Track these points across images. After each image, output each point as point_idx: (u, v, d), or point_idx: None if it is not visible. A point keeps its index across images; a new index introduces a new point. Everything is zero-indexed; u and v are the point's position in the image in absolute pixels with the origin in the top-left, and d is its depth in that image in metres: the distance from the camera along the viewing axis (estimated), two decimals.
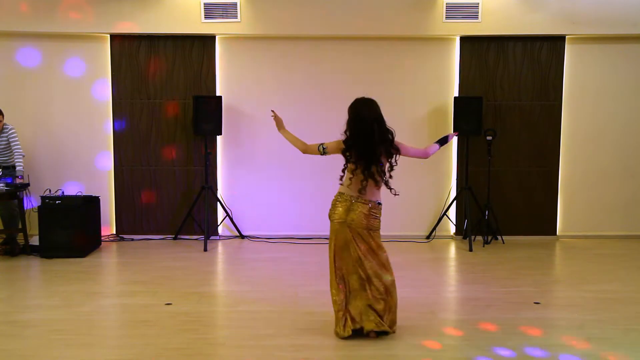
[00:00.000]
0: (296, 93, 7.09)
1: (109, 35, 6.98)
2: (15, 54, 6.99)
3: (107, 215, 7.08)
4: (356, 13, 6.87)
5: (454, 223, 7.20)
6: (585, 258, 6.30)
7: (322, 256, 6.17)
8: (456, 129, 6.79)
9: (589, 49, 7.11)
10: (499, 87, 7.12)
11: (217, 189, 7.15)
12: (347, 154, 3.73)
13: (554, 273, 5.91)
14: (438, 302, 4.79)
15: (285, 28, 6.91)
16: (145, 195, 7.15)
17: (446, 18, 6.87)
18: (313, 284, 5.17)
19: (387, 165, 3.78)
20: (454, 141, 7.14)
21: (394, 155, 3.78)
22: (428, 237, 7.15)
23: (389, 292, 3.83)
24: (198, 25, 6.86)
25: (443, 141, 4.26)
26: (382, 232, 3.89)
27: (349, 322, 3.82)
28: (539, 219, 7.19)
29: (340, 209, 3.77)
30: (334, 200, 3.84)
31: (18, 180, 6.17)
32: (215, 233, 7.14)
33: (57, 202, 6.12)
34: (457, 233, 7.19)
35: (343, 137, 3.78)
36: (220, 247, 6.75)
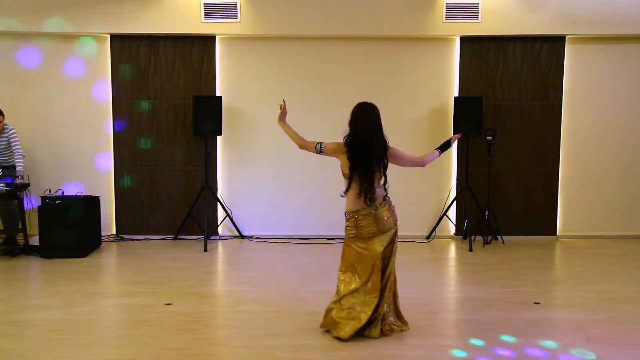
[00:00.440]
0: (296, 93, 7.09)
1: (109, 36, 6.98)
2: (15, 54, 6.99)
3: (107, 215, 7.07)
4: (356, 13, 6.87)
5: (454, 223, 7.19)
6: (585, 258, 6.30)
7: (322, 256, 6.18)
8: (456, 129, 6.79)
9: (589, 49, 7.12)
10: (499, 87, 7.12)
11: (217, 189, 7.15)
12: (349, 155, 3.71)
13: (554, 273, 5.91)
14: (438, 302, 4.79)
15: (285, 28, 6.92)
16: (145, 196, 7.15)
17: (446, 18, 6.87)
18: (313, 284, 5.17)
19: (379, 173, 3.76)
20: (456, 138, 7.11)
21: (385, 165, 3.75)
22: (428, 237, 7.15)
23: (390, 293, 3.89)
24: (198, 25, 6.86)
25: (445, 146, 4.21)
26: None
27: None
28: (539, 219, 7.19)
29: (369, 226, 3.74)
30: (352, 220, 3.77)
31: (18, 180, 6.17)
32: (215, 233, 7.14)
33: (57, 202, 6.12)
34: (457, 233, 7.19)
35: (342, 140, 3.77)
36: (220, 247, 6.75)
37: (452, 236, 7.22)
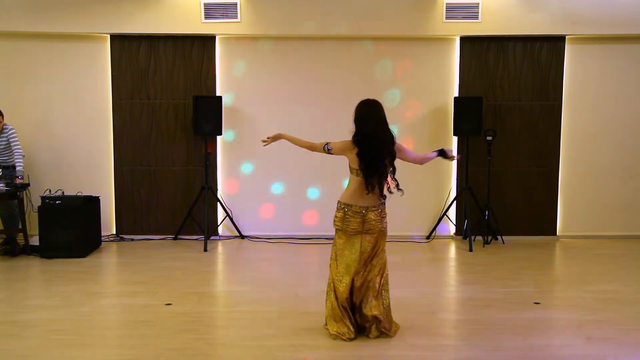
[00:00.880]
0: (296, 93, 7.09)
1: (109, 35, 6.98)
2: (15, 54, 6.99)
3: (107, 215, 7.07)
4: (356, 13, 6.87)
5: (454, 223, 7.19)
6: (585, 258, 6.30)
7: (322, 256, 6.18)
8: (456, 129, 6.80)
9: (589, 49, 7.11)
10: (499, 87, 7.12)
11: (217, 189, 7.15)
12: (359, 152, 3.72)
13: (554, 273, 5.92)
14: (438, 302, 4.79)
15: (285, 28, 6.91)
16: (145, 196, 7.15)
17: (446, 18, 6.86)
18: (313, 284, 5.17)
19: (390, 168, 3.78)
20: (454, 141, 7.13)
21: (394, 159, 3.79)
22: (428, 237, 7.15)
23: (384, 296, 3.89)
24: (198, 25, 6.86)
25: (441, 153, 4.21)
26: None
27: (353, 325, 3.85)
28: (539, 219, 7.19)
29: (354, 222, 3.77)
30: (341, 211, 3.81)
31: (18, 181, 6.17)
32: (215, 233, 7.14)
33: (57, 202, 6.12)
34: (457, 233, 7.19)
35: (349, 138, 3.79)
36: (220, 247, 6.75)
37: (452, 236, 7.22)
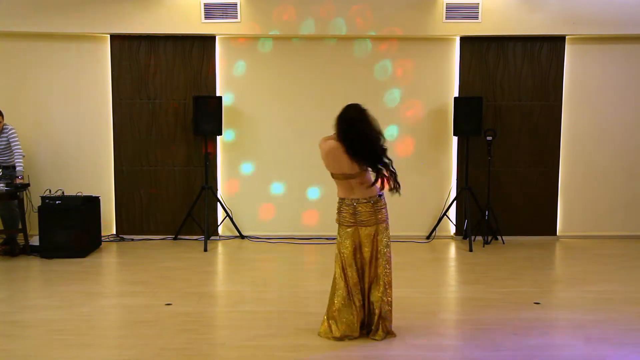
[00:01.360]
0: (296, 93, 7.09)
1: (109, 36, 6.98)
2: (15, 54, 6.99)
3: (107, 216, 7.07)
4: (356, 13, 6.87)
5: (454, 223, 7.19)
6: (585, 258, 6.30)
7: (322, 256, 6.18)
8: (456, 129, 6.80)
9: (589, 49, 7.11)
10: (499, 87, 7.11)
11: (217, 189, 7.15)
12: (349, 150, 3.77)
13: (554, 273, 5.91)
14: (438, 302, 4.79)
15: (285, 28, 6.91)
16: (145, 196, 7.15)
17: (446, 18, 6.86)
18: (313, 284, 5.17)
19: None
20: (454, 141, 7.13)
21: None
22: (428, 237, 7.15)
23: (389, 292, 3.87)
24: (198, 25, 6.86)
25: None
26: None
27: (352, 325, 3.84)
28: (539, 219, 7.18)
29: (347, 214, 3.84)
30: (338, 206, 3.92)
31: (18, 181, 6.17)
32: (216, 233, 7.14)
33: (57, 202, 6.12)
34: (457, 233, 7.19)
35: (322, 137, 3.91)
36: (220, 247, 6.75)
37: (452, 236, 7.22)
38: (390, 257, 3.89)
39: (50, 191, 6.30)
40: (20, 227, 6.32)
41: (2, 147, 6.37)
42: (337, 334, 3.82)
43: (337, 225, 3.93)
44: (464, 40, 7.04)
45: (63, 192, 6.31)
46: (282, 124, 7.13)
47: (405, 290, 4.83)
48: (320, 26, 6.89)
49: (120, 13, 6.82)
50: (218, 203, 7.11)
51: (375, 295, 3.83)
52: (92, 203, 6.47)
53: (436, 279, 5.55)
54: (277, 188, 7.19)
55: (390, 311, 3.88)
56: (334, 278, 3.90)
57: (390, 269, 3.88)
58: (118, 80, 7.05)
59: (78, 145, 7.11)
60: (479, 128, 6.78)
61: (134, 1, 6.80)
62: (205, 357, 3.62)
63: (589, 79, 7.15)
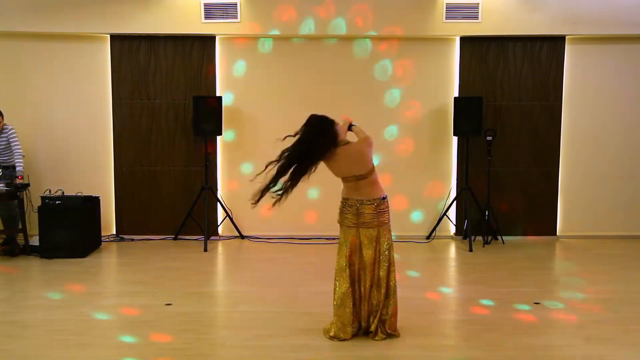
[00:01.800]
0: (296, 93, 7.09)
1: (109, 36, 6.98)
2: (15, 54, 6.99)
3: (107, 216, 7.07)
4: (356, 13, 6.87)
5: (454, 223, 7.19)
6: (585, 258, 6.30)
7: (322, 256, 6.18)
8: (456, 129, 6.80)
9: (589, 49, 7.11)
10: (499, 87, 7.12)
11: (217, 189, 7.15)
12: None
13: (554, 273, 5.91)
14: (438, 302, 4.79)
15: (285, 28, 6.91)
16: (145, 196, 7.15)
17: (446, 18, 6.86)
18: (313, 284, 5.17)
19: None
20: (454, 141, 7.13)
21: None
22: (428, 237, 7.15)
23: (392, 294, 3.87)
24: (198, 25, 6.86)
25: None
26: None
27: (354, 325, 3.84)
28: (539, 219, 7.18)
29: (350, 215, 3.83)
30: (340, 206, 3.92)
31: (18, 181, 6.17)
32: (216, 233, 7.14)
33: (57, 202, 6.12)
34: (457, 233, 7.19)
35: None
36: (220, 247, 6.75)
37: (452, 236, 7.22)
38: (393, 260, 3.87)
39: (50, 191, 6.30)
40: (20, 227, 6.32)
41: (2, 147, 6.38)
42: (331, 334, 3.83)
43: (338, 225, 3.93)
44: (464, 40, 7.04)
45: (63, 192, 6.31)
46: (282, 124, 7.05)
47: (405, 290, 4.81)
48: (320, 26, 6.89)
49: (120, 13, 6.82)
50: (218, 203, 7.11)
51: (376, 298, 3.83)
52: (92, 203, 6.47)
53: (436, 279, 5.54)
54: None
55: (395, 314, 3.87)
56: (335, 276, 3.89)
57: (394, 272, 3.87)
58: (118, 80, 7.05)
59: (78, 145, 7.11)
60: (479, 128, 6.78)
61: (134, 1, 6.80)
62: (205, 357, 3.62)
63: (589, 79, 7.15)
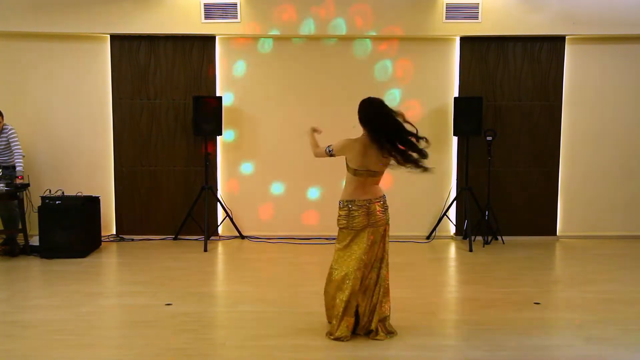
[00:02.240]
0: (296, 93, 7.09)
1: (109, 36, 6.98)
2: (15, 54, 6.99)
3: (107, 216, 7.07)
4: (356, 13, 6.87)
5: (454, 223, 7.19)
6: (585, 258, 6.30)
7: (322, 256, 6.17)
8: (456, 129, 6.80)
9: (589, 49, 7.11)
10: (499, 87, 7.12)
11: (217, 190, 7.15)
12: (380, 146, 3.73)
13: (554, 273, 5.91)
14: (438, 302, 4.79)
15: (285, 28, 6.91)
16: (145, 196, 7.15)
17: (446, 18, 6.86)
18: (313, 284, 5.16)
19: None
20: (454, 141, 7.13)
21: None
22: (428, 237, 7.15)
23: (388, 293, 3.89)
24: (198, 25, 6.86)
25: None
26: None
27: (352, 322, 3.84)
28: (539, 219, 7.19)
29: (360, 217, 3.77)
30: (345, 209, 3.81)
31: (18, 181, 6.17)
32: (216, 233, 7.14)
33: (57, 202, 6.12)
34: (457, 233, 7.18)
35: (346, 138, 3.82)
36: (220, 247, 6.75)
37: (452, 236, 7.22)
38: (388, 260, 3.92)
39: (50, 191, 6.30)
40: (20, 227, 6.32)
41: (2, 147, 6.37)
42: (336, 335, 3.82)
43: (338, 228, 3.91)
44: (464, 40, 7.04)
45: (63, 192, 6.31)
46: (282, 124, 7.13)
47: (405, 290, 4.83)
48: (320, 26, 6.89)
49: (120, 13, 6.82)
50: (218, 203, 7.11)
51: (377, 296, 3.83)
52: (92, 203, 6.47)
53: (436, 279, 5.54)
54: (277, 188, 7.19)
55: (389, 310, 3.89)
56: (340, 277, 3.84)
57: (388, 270, 3.91)
58: (118, 80, 7.05)
59: (78, 145, 7.11)
60: (479, 128, 6.78)
61: (134, 1, 6.80)
62: (205, 357, 3.62)
63: (589, 79, 7.15)
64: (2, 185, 6.03)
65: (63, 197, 6.17)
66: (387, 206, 3.89)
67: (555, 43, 7.06)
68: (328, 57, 7.08)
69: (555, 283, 5.44)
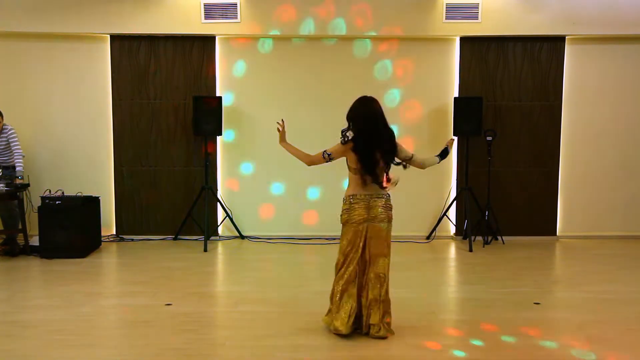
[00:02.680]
0: (296, 93, 7.09)
1: (108, 36, 6.98)
2: (15, 54, 6.99)
3: (107, 216, 7.07)
4: (356, 13, 6.87)
5: (454, 223, 7.19)
6: (585, 258, 6.30)
7: (322, 256, 6.18)
8: (456, 129, 6.79)
9: (589, 49, 7.11)
10: (499, 88, 7.11)
11: (217, 190, 7.14)
12: (358, 150, 3.77)
13: (554, 273, 5.91)
14: (438, 302, 4.79)
15: (285, 28, 6.91)
16: (145, 196, 7.15)
17: (446, 18, 6.86)
18: (313, 284, 5.17)
19: (382, 164, 3.83)
20: (454, 142, 7.11)
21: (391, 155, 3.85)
22: (428, 237, 7.15)
23: (387, 291, 3.90)
24: (198, 25, 6.86)
25: (444, 154, 4.26)
26: None
27: (352, 317, 3.84)
28: (539, 219, 7.18)
29: (360, 209, 3.80)
30: (347, 203, 3.85)
31: (18, 181, 6.17)
32: (215, 233, 7.14)
33: (57, 202, 6.12)
34: (457, 233, 7.18)
35: (343, 140, 3.83)
36: (220, 247, 6.75)
37: (452, 236, 7.22)
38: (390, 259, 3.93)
39: (50, 191, 6.30)
40: (20, 227, 6.32)
41: (2, 147, 6.37)
42: (334, 326, 3.84)
43: (340, 225, 3.92)
44: (464, 40, 7.04)
45: (63, 192, 6.31)
46: None
47: (405, 290, 4.82)
48: (320, 26, 6.89)
49: (120, 13, 6.82)
50: (218, 203, 7.11)
51: (378, 292, 3.83)
52: (92, 203, 6.47)
53: (436, 279, 5.55)
54: (277, 188, 7.19)
55: (389, 306, 3.91)
56: (339, 267, 3.88)
57: (389, 269, 3.91)
58: (118, 80, 7.05)
59: (78, 145, 7.11)
60: (479, 128, 6.78)
61: (134, 1, 6.80)
62: (205, 357, 3.62)
63: (589, 79, 7.15)
64: (2, 185, 6.03)
65: (63, 197, 6.17)
66: (390, 205, 3.88)
67: (555, 43, 7.06)
68: (328, 57, 7.08)
69: (555, 283, 5.45)
